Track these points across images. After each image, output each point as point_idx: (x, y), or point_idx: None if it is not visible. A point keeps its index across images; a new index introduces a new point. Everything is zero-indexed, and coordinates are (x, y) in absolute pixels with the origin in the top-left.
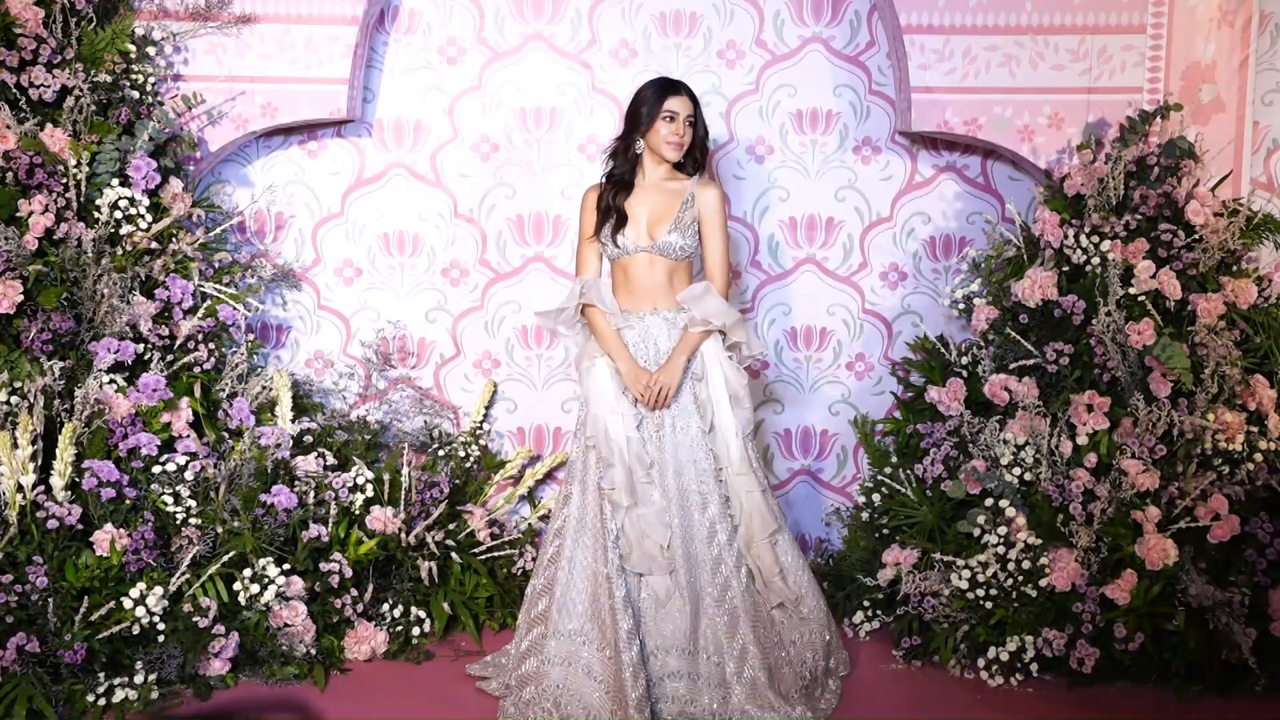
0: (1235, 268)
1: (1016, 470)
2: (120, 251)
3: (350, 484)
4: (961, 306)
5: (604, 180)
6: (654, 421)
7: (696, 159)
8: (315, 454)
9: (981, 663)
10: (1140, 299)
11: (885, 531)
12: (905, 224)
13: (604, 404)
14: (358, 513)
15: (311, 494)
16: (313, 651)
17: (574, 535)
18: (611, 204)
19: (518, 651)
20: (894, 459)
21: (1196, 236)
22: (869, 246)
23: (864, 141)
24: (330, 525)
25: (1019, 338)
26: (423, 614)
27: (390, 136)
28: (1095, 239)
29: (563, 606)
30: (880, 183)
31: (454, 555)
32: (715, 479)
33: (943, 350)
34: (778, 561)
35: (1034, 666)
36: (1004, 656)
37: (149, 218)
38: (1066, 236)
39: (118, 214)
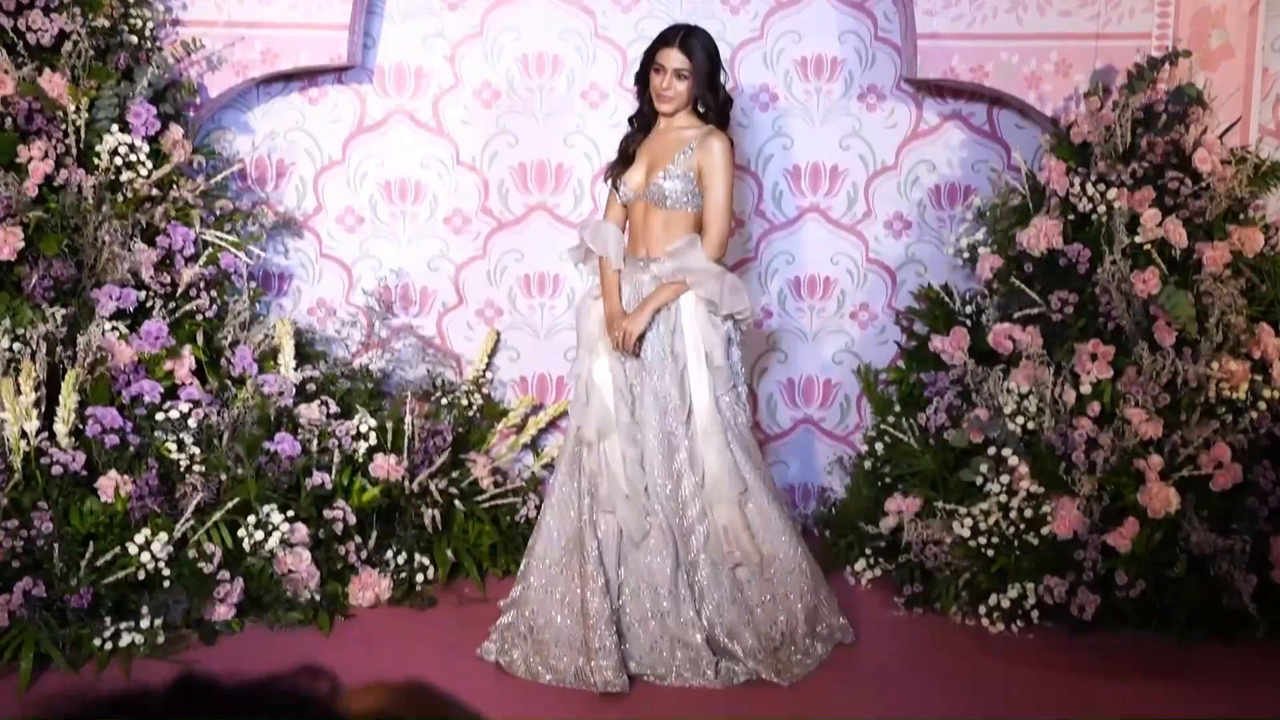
0: (1242, 216)
1: (1020, 419)
2: (121, 198)
3: (353, 432)
4: (966, 255)
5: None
6: (633, 368)
7: (710, 108)
8: (318, 402)
9: (983, 610)
10: (1146, 247)
11: (888, 480)
12: (910, 172)
13: (588, 344)
14: (361, 460)
15: (315, 442)
16: (317, 597)
17: (564, 472)
18: (626, 147)
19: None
20: (897, 408)
21: (1204, 184)
22: (873, 195)
23: (869, 89)
24: (334, 473)
25: (1024, 286)
26: (426, 561)
27: (391, 83)
28: (1101, 187)
29: (546, 539)
30: (885, 130)
31: (457, 503)
32: (686, 428)
33: (947, 299)
34: (746, 522)
35: (1035, 614)
36: (1005, 604)
37: (149, 164)
38: (1072, 185)
39: (118, 160)
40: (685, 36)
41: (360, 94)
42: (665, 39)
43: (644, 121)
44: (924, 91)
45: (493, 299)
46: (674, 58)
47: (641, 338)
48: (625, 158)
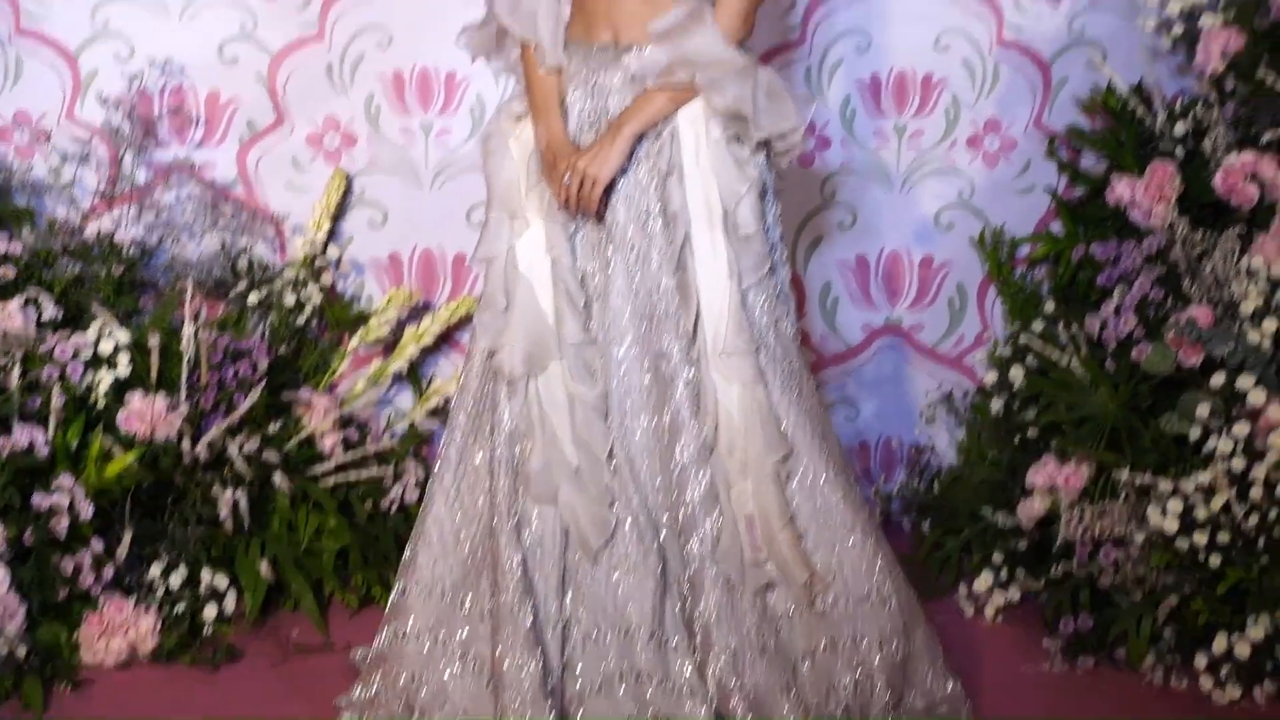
0: None
1: (1270, 324)
2: None
3: (88, 353)
4: (1177, 32)
5: None
6: (592, 243)
7: None
8: (20, 299)
9: (1203, 663)
10: None
11: (1031, 434)
12: None
13: (506, 202)
14: (103, 405)
15: (16, 370)
16: (21, 651)
17: (465, 428)
18: None
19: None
20: (1049, 306)
21: None
22: None
23: None
24: (52, 427)
25: None
26: (222, 582)
27: None
28: None
29: (436, 546)
30: None
31: (278, 479)
32: (686, 351)
33: (1141, 110)
34: (788, 511)
35: None
36: (1244, 651)
37: None
38: None
39: None
40: None
41: None
42: None
43: None
44: None
45: (337, 115)
46: None
47: (610, 189)
48: None
